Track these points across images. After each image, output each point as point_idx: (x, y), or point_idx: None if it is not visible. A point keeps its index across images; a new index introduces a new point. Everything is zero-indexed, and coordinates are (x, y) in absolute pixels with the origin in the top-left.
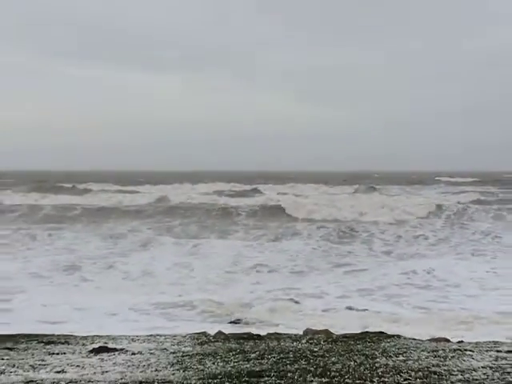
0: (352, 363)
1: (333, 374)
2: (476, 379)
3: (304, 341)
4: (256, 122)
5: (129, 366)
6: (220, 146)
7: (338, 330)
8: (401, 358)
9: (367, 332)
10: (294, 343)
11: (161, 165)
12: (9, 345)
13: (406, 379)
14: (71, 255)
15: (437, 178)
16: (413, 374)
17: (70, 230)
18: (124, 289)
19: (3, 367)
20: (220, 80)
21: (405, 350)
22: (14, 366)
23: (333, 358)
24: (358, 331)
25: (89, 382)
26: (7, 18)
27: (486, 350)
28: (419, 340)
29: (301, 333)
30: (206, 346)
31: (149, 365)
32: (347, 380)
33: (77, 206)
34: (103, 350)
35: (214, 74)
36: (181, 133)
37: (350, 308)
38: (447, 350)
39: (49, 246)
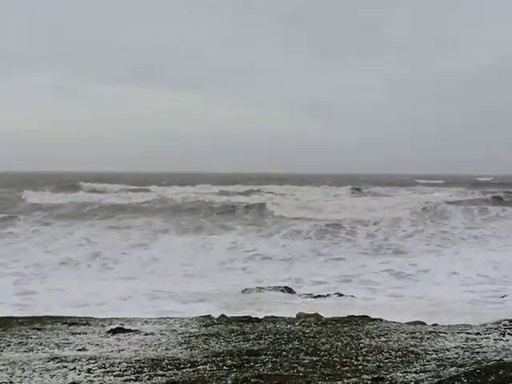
0: (339, 343)
1: (322, 353)
2: (449, 358)
3: (297, 323)
4: (268, 134)
5: (142, 345)
6: (233, 152)
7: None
8: (382, 339)
9: (353, 316)
10: (288, 325)
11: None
12: (37, 325)
13: (387, 358)
14: (93, 246)
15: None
16: (393, 353)
17: (89, 224)
18: (138, 276)
19: (32, 345)
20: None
21: (386, 331)
22: (41, 344)
23: (322, 339)
24: (345, 315)
25: (107, 358)
26: (48, 43)
27: (458, 332)
28: (398, 323)
29: (294, 316)
30: (210, 327)
31: (160, 344)
32: (335, 358)
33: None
34: (120, 330)
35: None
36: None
37: (339, 294)
38: (423, 332)
39: (69, 236)
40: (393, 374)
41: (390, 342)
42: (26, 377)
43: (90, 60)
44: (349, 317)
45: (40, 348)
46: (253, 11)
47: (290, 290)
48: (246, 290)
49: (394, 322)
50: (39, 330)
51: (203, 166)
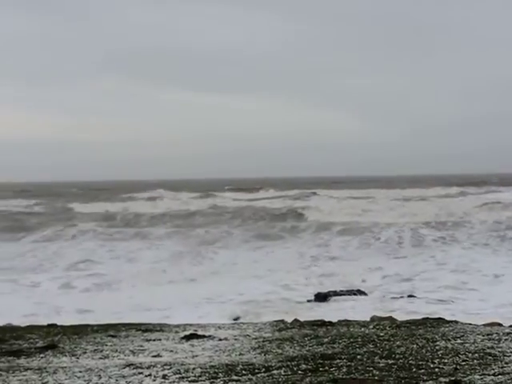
0: (414, 346)
1: (397, 356)
2: None
3: (371, 326)
4: (320, 135)
5: (216, 351)
6: (292, 154)
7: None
8: (458, 341)
9: (427, 318)
10: (362, 329)
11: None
12: (111, 332)
13: (464, 360)
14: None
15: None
16: (470, 355)
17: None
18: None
19: (107, 352)
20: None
21: (462, 333)
22: (116, 351)
23: (397, 342)
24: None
25: (181, 364)
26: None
27: None
28: (474, 325)
29: (368, 319)
30: (283, 332)
31: (234, 349)
32: (411, 361)
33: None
34: (193, 336)
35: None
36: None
37: (412, 296)
38: (500, 334)
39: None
40: (470, 377)
41: (467, 344)
42: (102, 383)
43: (154, 65)
44: (423, 319)
45: (115, 355)
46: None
47: (362, 293)
48: (319, 293)
49: (470, 324)
50: (114, 336)
51: (269, 170)
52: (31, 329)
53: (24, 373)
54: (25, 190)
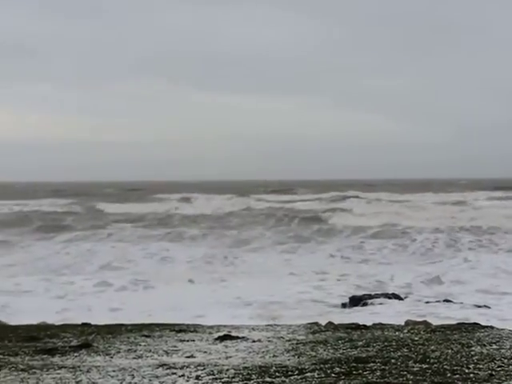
0: (449, 351)
1: (432, 360)
2: None
3: (405, 331)
4: (356, 136)
5: (250, 352)
6: (331, 155)
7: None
8: (494, 346)
9: (463, 323)
10: (397, 333)
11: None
12: (145, 332)
13: (499, 366)
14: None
15: None
16: (506, 361)
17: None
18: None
19: (141, 352)
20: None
21: (498, 339)
22: (150, 351)
23: (432, 347)
24: (455, 322)
25: (215, 365)
26: (142, 51)
27: None
28: (510, 330)
29: (402, 323)
30: (317, 334)
31: (267, 351)
32: (445, 366)
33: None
34: (227, 337)
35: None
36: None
37: (447, 300)
38: None
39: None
40: (506, 383)
41: (503, 350)
42: (135, 383)
43: (190, 67)
44: (459, 324)
45: (149, 355)
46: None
47: (397, 297)
48: (353, 296)
49: (506, 330)
50: (148, 337)
51: (302, 172)
52: (65, 327)
53: (58, 371)
54: (59, 189)
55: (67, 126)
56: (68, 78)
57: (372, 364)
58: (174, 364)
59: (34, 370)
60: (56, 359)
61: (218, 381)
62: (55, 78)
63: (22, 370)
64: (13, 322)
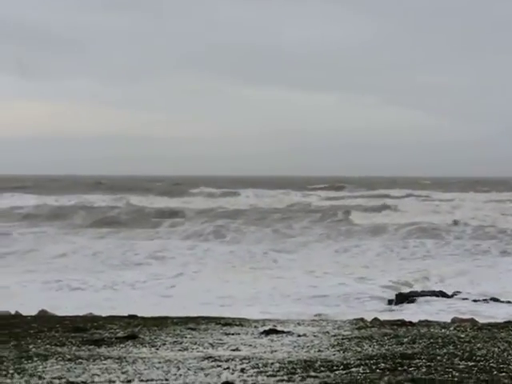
0: (496, 349)
1: (478, 358)
2: None
3: (452, 328)
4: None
5: (295, 347)
6: (366, 152)
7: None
8: None
9: (510, 321)
10: (443, 330)
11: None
12: (191, 325)
13: None
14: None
15: None
16: None
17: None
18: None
19: (187, 344)
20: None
21: None
22: (195, 343)
23: (478, 344)
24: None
25: (260, 359)
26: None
27: None
28: None
29: (448, 321)
30: (363, 330)
31: (312, 346)
32: (492, 364)
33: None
34: (273, 332)
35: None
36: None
37: (495, 299)
38: None
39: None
40: None
41: None
42: (181, 375)
43: (240, 61)
44: (506, 322)
45: (194, 347)
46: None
47: (444, 294)
48: (400, 293)
49: None
50: (193, 329)
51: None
52: (112, 319)
53: (104, 362)
54: (107, 183)
55: (110, 120)
56: (113, 72)
57: (417, 360)
58: (219, 357)
59: (80, 360)
60: (102, 350)
61: (263, 374)
62: (100, 72)
63: (69, 359)
64: (60, 313)
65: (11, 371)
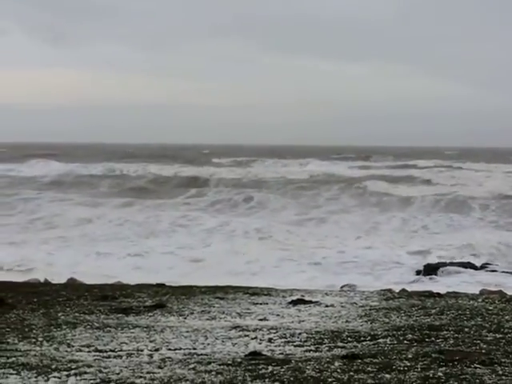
0: None
1: (506, 330)
2: None
3: (480, 300)
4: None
5: (322, 317)
6: (396, 123)
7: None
8: None
9: None
10: (471, 301)
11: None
12: (219, 294)
13: None
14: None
15: None
16: None
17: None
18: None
19: (215, 313)
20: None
21: None
22: (223, 313)
23: (506, 317)
24: None
25: (287, 329)
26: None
27: None
28: None
29: (477, 293)
30: (390, 301)
31: (340, 316)
32: None
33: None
34: (300, 302)
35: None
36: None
37: None
38: None
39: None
40: None
41: None
42: (208, 344)
43: (278, 31)
44: None
45: (222, 316)
46: None
47: (472, 266)
48: (428, 264)
49: None
50: (221, 299)
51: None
52: (140, 288)
53: (132, 330)
54: (126, 151)
55: (138, 88)
56: (143, 39)
57: (445, 332)
58: (246, 326)
59: (108, 329)
60: (130, 318)
61: (290, 344)
62: (130, 39)
63: (97, 328)
64: (89, 281)
65: (40, 339)
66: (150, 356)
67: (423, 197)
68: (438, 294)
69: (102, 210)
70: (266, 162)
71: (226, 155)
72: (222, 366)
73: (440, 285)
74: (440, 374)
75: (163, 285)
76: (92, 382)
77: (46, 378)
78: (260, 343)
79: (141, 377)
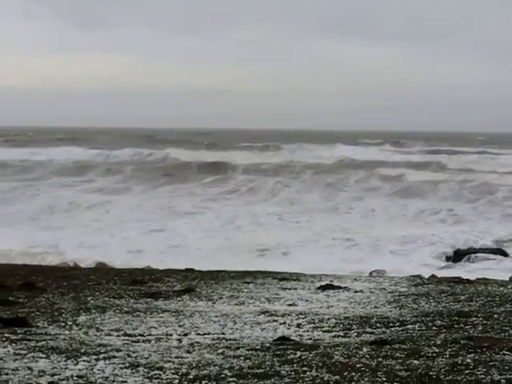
0: None
1: None
2: None
3: (509, 286)
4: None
5: (351, 303)
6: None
7: None
8: None
9: None
10: (501, 288)
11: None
12: (248, 279)
13: None
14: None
15: None
16: None
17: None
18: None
19: (243, 299)
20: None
21: None
22: (252, 297)
23: None
24: None
25: (316, 314)
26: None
27: None
28: None
29: (507, 279)
30: (420, 287)
31: (369, 302)
32: None
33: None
34: (329, 287)
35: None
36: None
37: None
38: None
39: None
40: None
41: None
42: (237, 329)
43: (317, 14)
44: None
45: (251, 302)
46: None
47: (502, 253)
48: (458, 250)
49: None
50: (250, 284)
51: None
52: (169, 272)
53: (161, 314)
54: (149, 136)
55: (167, 73)
56: (173, 24)
57: (474, 318)
58: (275, 311)
59: (137, 313)
60: (160, 303)
61: (319, 329)
62: (160, 23)
63: (127, 312)
64: (118, 265)
65: (70, 323)
66: (179, 340)
67: (455, 182)
68: (468, 281)
69: (129, 194)
70: (293, 146)
71: (253, 140)
72: (250, 351)
73: (470, 271)
74: (468, 360)
75: (192, 270)
76: (121, 366)
77: (75, 361)
78: (288, 328)
79: (169, 361)
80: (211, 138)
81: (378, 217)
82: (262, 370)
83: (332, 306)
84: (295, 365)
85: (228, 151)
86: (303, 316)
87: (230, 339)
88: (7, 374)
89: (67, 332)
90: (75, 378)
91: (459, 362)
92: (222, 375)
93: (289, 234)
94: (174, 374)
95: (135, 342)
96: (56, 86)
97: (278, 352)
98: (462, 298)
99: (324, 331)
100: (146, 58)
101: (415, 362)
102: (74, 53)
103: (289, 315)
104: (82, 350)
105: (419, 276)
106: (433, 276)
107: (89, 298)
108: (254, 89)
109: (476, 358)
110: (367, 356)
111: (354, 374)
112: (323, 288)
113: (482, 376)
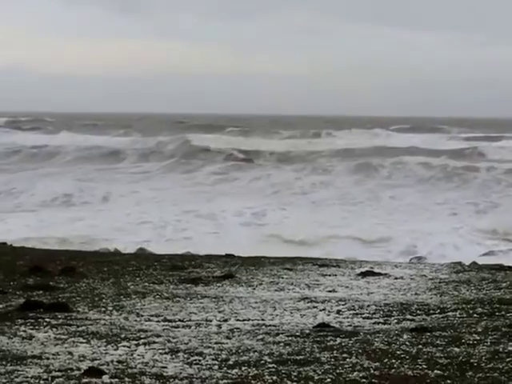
0: None
1: None
2: None
3: None
4: None
5: (391, 289)
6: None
7: None
8: None
9: None
10: None
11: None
12: (288, 266)
13: None
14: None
15: None
16: None
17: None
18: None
19: (283, 285)
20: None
21: None
22: (292, 284)
23: None
24: None
25: (356, 301)
26: None
27: None
28: None
29: None
30: (460, 274)
31: (409, 289)
32: None
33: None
34: (369, 273)
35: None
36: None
37: None
38: None
39: None
40: None
41: None
42: (277, 315)
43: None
44: None
45: (291, 288)
46: None
47: None
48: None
49: None
50: (290, 270)
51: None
52: (209, 258)
53: (201, 300)
54: (181, 122)
55: (209, 58)
56: (212, 9)
57: None
58: (315, 298)
59: (177, 299)
60: (199, 289)
61: (359, 316)
62: (198, 8)
63: (166, 298)
64: (158, 251)
65: (110, 308)
66: (219, 326)
67: (489, 170)
68: (509, 268)
69: (170, 180)
70: (323, 132)
71: (285, 126)
72: (290, 338)
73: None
74: (510, 348)
75: (232, 255)
76: (161, 351)
77: (115, 346)
78: (328, 315)
79: (209, 347)
80: (252, 122)
81: (420, 205)
82: (301, 357)
83: (372, 293)
84: (335, 351)
85: (269, 139)
86: (343, 302)
87: (269, 325)
88: (48, 358)
89: (107, 317)
90: (115, 363)
91: (500, 349)
92: (262, 361)
93: (330, 219)
94: (213, 359)
95: (175, 327)
96: (98, 72)
97: (318, 338)
98: (504, 285)
99: (364, 318)
100: (187, 42)
101: (456, 349)
102: (110, 37)
103: (329, 301)
104: (122, 336)
105: (460, 263)
106: (474, 263)
107: (129, 284)
108: (280, 72)
109: None
110: (407, 343)
111: (394, 361)
112: (363, 274)
113: None
